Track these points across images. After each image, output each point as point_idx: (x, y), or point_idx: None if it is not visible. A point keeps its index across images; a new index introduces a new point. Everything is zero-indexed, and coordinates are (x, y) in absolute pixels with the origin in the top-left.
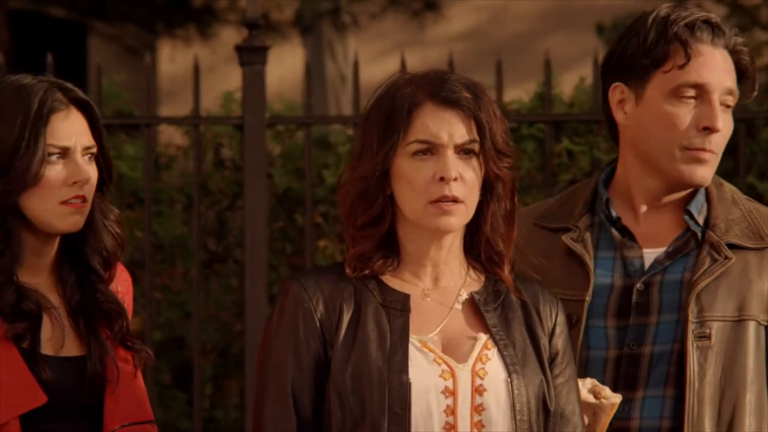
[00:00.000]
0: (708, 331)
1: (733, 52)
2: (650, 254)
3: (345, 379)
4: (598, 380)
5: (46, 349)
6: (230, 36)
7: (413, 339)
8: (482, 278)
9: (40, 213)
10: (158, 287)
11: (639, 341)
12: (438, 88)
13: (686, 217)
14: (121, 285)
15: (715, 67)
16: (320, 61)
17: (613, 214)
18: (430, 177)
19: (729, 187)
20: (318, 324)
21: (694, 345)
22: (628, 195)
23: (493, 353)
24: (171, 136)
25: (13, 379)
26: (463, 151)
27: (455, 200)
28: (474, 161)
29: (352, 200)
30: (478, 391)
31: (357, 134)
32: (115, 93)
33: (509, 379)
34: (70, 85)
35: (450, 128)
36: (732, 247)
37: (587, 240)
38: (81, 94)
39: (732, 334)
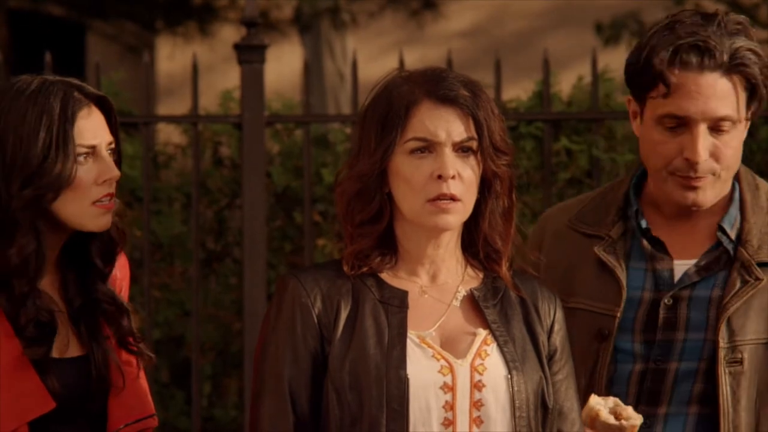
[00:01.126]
0: (740, 355)
1: (733, 71)
2: (680, 266)
3: (343, 375)
4: (621, 395)
5: (53, 352)
6: (229, 34)
7: (411, 335)
8: (480, 275)
9: (74, 215)
10: (157, 286)
11: (665, 357)
12: (435, 85)
13: (719, 233)
14: (120, 271)
15: (698, 96)
16: (319, 59)
17: (643, 224)
18: (428, 175)
19: (765, 188)
20: (315, 320)
21: (726, 370)
22: (656, 201)
23: (492, 349)
24: (169, 135)
25: (23, 386)
26: (461, 149)
27: (453, 198)
28: (472, 159)
29: (350, 198)
30: (477, 386)
31: (354, 132)
32: (114, 92)
33: (509, 376)
34: (81, 83)
35: (448, 126)
36: (763, 265)
37: (619, 251)
38: (95, 90)
39: (765, 357)
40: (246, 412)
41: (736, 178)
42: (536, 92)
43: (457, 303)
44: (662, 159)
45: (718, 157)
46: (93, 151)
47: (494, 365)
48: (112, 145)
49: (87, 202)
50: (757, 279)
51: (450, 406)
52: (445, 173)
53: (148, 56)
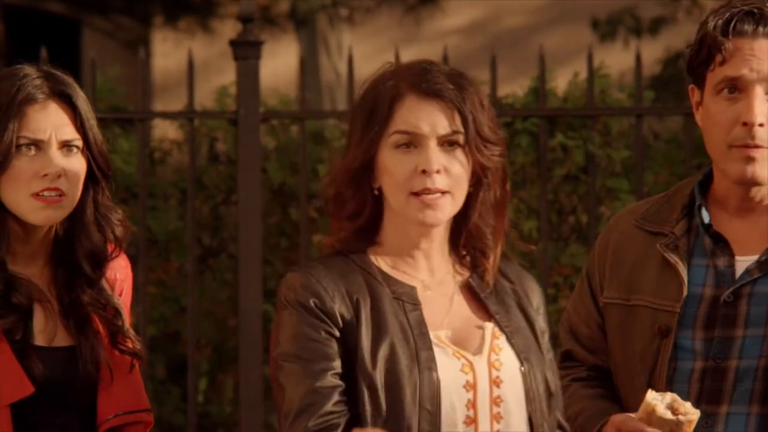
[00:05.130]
0: None
1: None
2: (743, 262)
3: (376, 374)
4: (682, 393)
5: (39, 340)
6: (226, 30)
7: (431, 334)
8: (467, 266)
9: (14, 204)
10: (153, 282)
11: (724, 354)
12: (419, 79)
13: None
14: (120, 272)
15: (752, 58)
16: (314, 56)
17: (705, 220)
18: (413, 169)
19: None
20: (338, 317)
21: None
22: (721, 198)
23: (502, 342)
24: (165, 131)
25: (1, 371)
26: (447, 142)
27: (442, 192)
28: (459, 152)
29: (336, 191)
30: (495, 383)
31: (348, 127)
32: (110, 88)
33: (523, 369)
34: (60, 77)
35: (432, 120)
36: None
37: (682, 248)
38: (67, 87)
39: None
40: (241, 408)
41: None
42: (532, 88)
43: (458, 296)
44: (722, 130)
45: None
46: (39, 144)
47: (508, 359)
48: (75, 143)
49: (25, 192)
50: None
51: (472, 404)
52: (428, 168)
53: (144, 52)
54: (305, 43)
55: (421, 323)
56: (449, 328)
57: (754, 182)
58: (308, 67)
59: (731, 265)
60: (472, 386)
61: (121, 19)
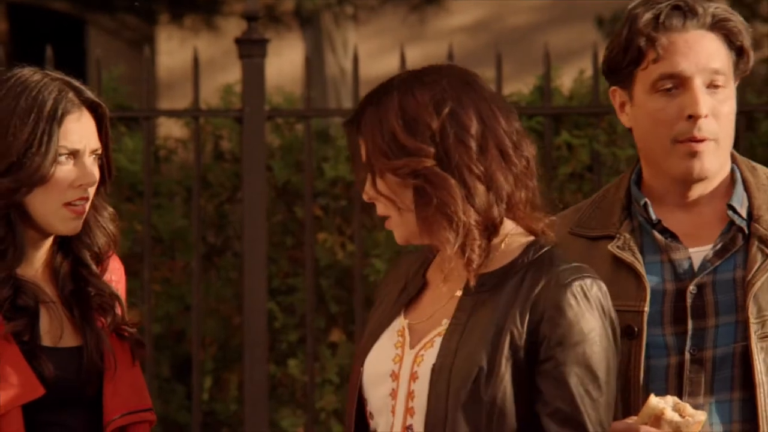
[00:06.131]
0: None
1: (717, 29)
2: (697, 253)
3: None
4: (661, 390)
5: (45, 341)
6: (231, 28)
7: (397, 323)
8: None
9: (42, 212)
10: (158, 280)
11: (699, 346)
12: None
13: (730, 212)
14: (114, 274)
15: (689, 51)
16: (320, 54)
17: (653, 216)
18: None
19: (762, 170)
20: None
21: (758, 346)
22: (658, 195)
23: (440, 340)
24: (170, 129)
25: (11, 373)
26: (370, 172)
27: (385, 216)
28: (379, 178)
29: None
30: (413, 377)
31: None
32: (114, 86)
33: (433, 367)
34: (80, 85)
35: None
36: None
37: (633, 247)
38: (92, 94)
39: None
40: (246, 406)
41: (734, 161)
42: (537, 86)
43: (459, 293)
44: (665, 126)
45: (717, 116)
46: (75, 154)
47: (430, 356)
48: (98, 152)
49: (59, 202)
50: None
51: (395, 394)
52: (365, 198)
53: (149, 51)
54: (310, 42)
55: (393, 316)
56: (428, 321)
57: (700, 178)
58: (313, 65)
59: (688, 257)
60: (396, 377)
61: (126, 17)
